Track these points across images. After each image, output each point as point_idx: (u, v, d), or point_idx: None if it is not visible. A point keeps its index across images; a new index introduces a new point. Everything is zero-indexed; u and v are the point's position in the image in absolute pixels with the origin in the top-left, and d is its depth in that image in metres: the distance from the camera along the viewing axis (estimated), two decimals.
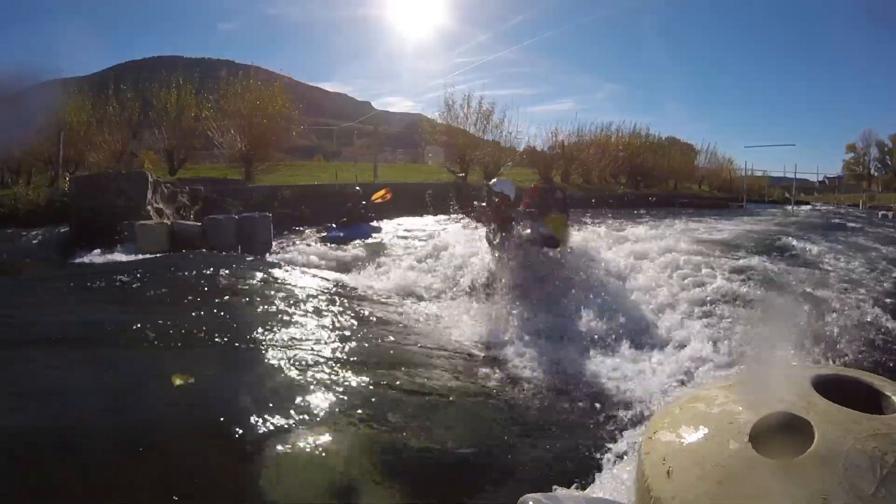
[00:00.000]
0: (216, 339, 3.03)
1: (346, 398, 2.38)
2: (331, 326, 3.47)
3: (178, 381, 1.58)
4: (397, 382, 2.66)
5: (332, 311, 3.88)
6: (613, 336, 3.49)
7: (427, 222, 10.35)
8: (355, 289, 5.11)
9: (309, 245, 8.00)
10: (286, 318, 3.55)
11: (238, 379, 2.53)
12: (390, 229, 9.57)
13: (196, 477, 1.71)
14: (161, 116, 17.45)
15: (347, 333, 3.39)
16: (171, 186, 9.31)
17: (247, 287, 4.33)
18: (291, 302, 4.02)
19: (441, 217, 10.23)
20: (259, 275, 4.93)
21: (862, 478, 0.57)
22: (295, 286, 4.61)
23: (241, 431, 2.00)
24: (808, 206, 24.83)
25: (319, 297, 4.34)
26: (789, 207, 23.32)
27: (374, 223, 9.66)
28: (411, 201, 10.91)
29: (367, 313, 3.95)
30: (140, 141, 18.26)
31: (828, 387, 0.77)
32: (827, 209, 21.40)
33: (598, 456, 2.11)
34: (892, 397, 0.77)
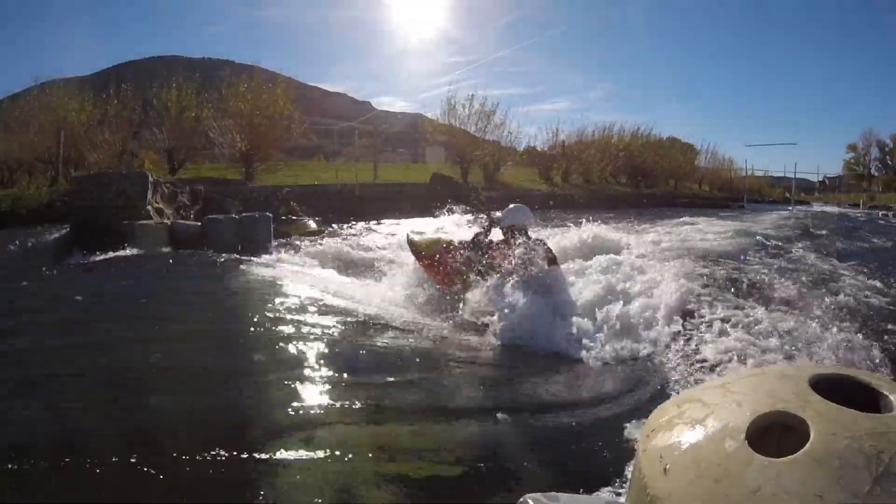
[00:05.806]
0: (215, 339, 3.04)
1: (344, 398, 2.38)
2: (330, 326, 3.47)
3: None
4: (396, 382, 2.66)
5: (331, 311, 3.88)
6: (611, 336, 3.50)
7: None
8: (356, 289, 5.11)
9: (310, 245, 8.00)
10: (285, 317, 3.55)
11: (237, 379, 2.54)
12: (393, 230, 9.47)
13: (194, 477, 1.71)
14: (161, 116, 17.50)
15: (347, 333, 3.39)
16: (171, 186, 9.32)
17: (246, 287, 4.34)
18: (290, 302, 4.02)
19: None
20: (258, 275, 4.94)
21: (857, 476, 0.57)
22: (294, 286, 4.61)
23: (240, 431, 2.00)
24: (811, 207, 24.83)
25: (319, 297, 4.34)
26: (791, 208, 23.34)
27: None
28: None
29: (366, 313, 3.95)
30: (140, 141, 18.29)
31: (825, 386, 0.77)
32: (828, 210, 21.38)
33: (597, 455, 2.11)
34: (890, 396, 0.76)
